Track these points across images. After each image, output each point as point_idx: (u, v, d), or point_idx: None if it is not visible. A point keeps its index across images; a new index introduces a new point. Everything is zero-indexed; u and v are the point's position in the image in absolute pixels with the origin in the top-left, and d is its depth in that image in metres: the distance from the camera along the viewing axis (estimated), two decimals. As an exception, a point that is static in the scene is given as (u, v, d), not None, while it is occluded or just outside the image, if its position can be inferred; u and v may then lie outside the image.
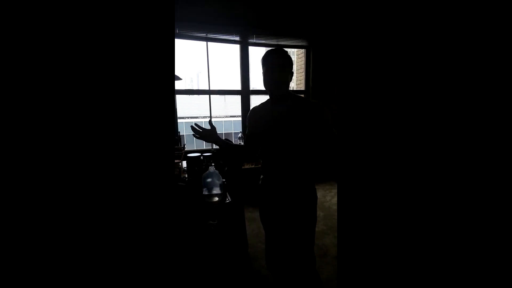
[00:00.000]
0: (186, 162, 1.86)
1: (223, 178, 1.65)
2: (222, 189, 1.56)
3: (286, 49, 1.29)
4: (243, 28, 3.27)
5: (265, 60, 1.21)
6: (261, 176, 1.39)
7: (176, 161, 2.05)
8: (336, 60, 3.79)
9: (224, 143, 1.38)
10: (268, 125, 1.27)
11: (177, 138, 2.74)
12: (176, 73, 1.83)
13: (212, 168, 1.55)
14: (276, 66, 1.18)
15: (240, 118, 3.68)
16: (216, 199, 1.54)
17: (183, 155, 2.31)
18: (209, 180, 1.58)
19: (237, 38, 3.33)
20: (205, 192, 1.54)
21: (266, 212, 1.39)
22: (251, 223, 2.56)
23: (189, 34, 3.09)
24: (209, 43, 3.28)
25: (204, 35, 3.16)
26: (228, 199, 1.56)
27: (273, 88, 1.22)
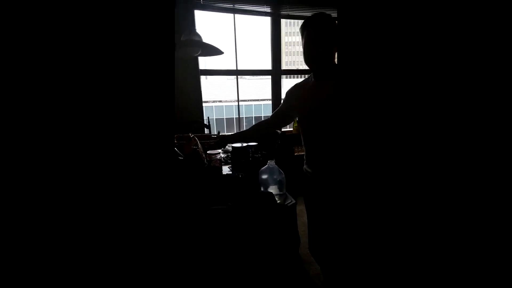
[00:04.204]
0: (231, 154, 1.56)
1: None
2: (283, 188, 1.26)
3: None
4: (274, -4, 2.85)
5: (303, 30, 1.00)
6: (305, 163, 1.19)
7: (213, 153, 1.75)
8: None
9: (237, 133, 1.44)
10: (308, 106, 1.07)
11: (206, 124, 2.43)
12: (217, 46, 1.49)
13: (272, 163, 1.24)
14: (313, 38, 0.97)
15: (270, 101, 3.33)
16: (276, 200, 1.24)
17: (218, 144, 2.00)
18: (265, 176, 1.27)
19: (268, 10, 2.92)
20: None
21: (312, 203, 1.19)
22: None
23: (215, 5, 2.71)
24: (236, 15, 2.90)
25: (231, 6, 2.77)
26: (291, 201, 1.25)
27: (311, 64, 1.02)
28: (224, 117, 14.97)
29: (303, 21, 1.03)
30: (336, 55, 1.01)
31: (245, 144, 1.53)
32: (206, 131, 2.60)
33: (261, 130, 1.35)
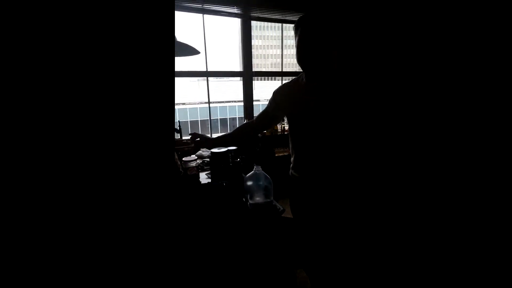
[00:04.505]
0: (210, 159, 1.47)
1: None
2: (270, 195, 1.21)
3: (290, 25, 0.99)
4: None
5: (296, 29, 0.97)
6: (291, 167, 1.15)
7: (189, 160, 1.64)
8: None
9: (218, 138, 1.34)
10: (299, 108, 1.04)
11: (177, 129, 2.30)
12: (193, 45, 1.39)
13: (258, 168, 1.18)
14: (305, 37, 0.94)
15: (233, 103, 3.27)
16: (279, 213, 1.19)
17: (193, 149, 1.89)
18: (250, 183, 1.21)
19: (238, 11, 2.87)
20: (250, 201, 1.18)
21: (300, 209, 1.15)
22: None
23: (183, 4, 2.58)
24: (205, 16, 2.80)
25: (200, 6, 2.67)
26: (279, 208, 1.20)
27: (302, 64, 0.99)
28: (188, 120, 14.55)
29: (296, 20, 0.99)
30: (332, 56, 0.98)
31: (225, 149, 1.45)
32: (176, 135, 2.45)
33: (247, 133, 1.28)
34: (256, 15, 2.97)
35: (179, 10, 2.62)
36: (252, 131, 1.28)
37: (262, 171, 1.20)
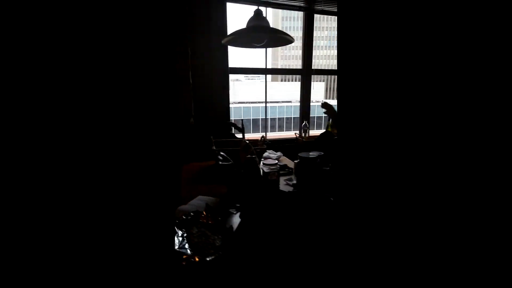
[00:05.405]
0: (297, 165, 1.30)
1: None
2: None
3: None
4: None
5: None
6: None
7: (270, 163, 1.49)
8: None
9: None
10: None
11: (240, 127, 2.17)
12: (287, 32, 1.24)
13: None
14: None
15: (297, 104, 3.09)
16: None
17: (263, 150, 1.74)
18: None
19: (302, 4, 2.69)
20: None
21: None
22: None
23: (248, -4, 2.46)
24: (266, 9, 2.66)
25: (264, -2, 2.53)
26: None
27: None
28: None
29: None
30: None
31: (316, 153, 1.27)
32: (235, 134, 2.34)
33: None
34: (320, 8, 2.76)
35: (243, 3, 2.51)
36: None
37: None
